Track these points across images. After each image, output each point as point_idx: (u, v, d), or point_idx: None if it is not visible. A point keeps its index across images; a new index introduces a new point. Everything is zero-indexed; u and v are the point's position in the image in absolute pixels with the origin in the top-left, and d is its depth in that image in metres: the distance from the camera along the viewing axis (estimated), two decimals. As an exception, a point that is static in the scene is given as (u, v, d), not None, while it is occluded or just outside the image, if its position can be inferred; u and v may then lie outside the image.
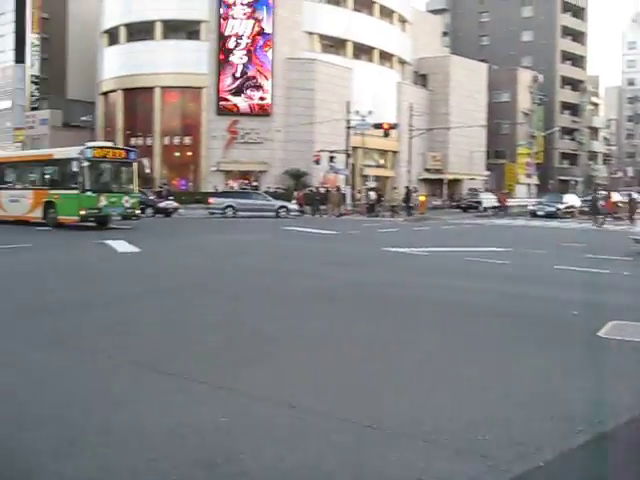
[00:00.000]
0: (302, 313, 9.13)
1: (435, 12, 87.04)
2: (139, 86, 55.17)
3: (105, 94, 59.58)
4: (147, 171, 41.06)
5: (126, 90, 56.54)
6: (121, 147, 32.00)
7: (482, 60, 76.69)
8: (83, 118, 60.85)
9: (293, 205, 40.88)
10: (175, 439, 4.37)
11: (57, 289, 10.91)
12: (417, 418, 4.84)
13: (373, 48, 62.20)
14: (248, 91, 53.65)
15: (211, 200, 40.01)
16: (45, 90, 71.10)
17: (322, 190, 44.96)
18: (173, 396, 5.29)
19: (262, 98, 53.74)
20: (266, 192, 44.79)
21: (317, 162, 47.12)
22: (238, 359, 6.49)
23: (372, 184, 49.79)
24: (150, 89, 54.52)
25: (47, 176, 27.66)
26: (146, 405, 5.07)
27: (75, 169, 25.28)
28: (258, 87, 53.73)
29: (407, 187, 46.34)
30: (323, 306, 9.63)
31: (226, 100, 53.42)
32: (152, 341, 7.23)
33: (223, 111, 53.48)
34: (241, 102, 53.61)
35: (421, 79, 70.33)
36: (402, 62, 67.09)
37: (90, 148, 25.89)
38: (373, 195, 45.08)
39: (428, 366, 6.39)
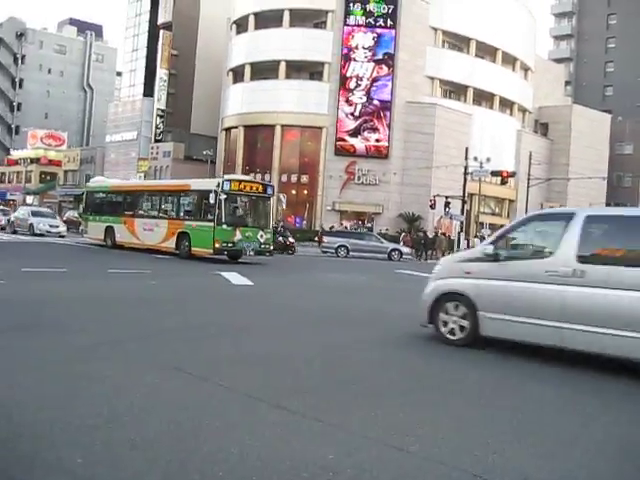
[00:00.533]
0: (412, 354, 8.97)
1: (558, 61, 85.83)
2: (260, 123, 56.54)
3: (227, 130, 61.29)
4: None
5: (247, 127, 58.04)
6: (259, 181, 31.75)
7: (605, 110, 74.81)
8: (205, 152, 62.77)
9: (405, 249, 40.66)
10: (283, 473, 4.35)
11: (160, 316, 11.10)
12: (527, 472, 4.66)
13: (494, 95, 61.80)
14: (365, 133, 54.13)
15: (324, 239, 40.24)
16: (170, 123, 73.81)
17: (430, 235, 44.55)
18: (283, 430, 5.29)
19: (378, 140, 54.06)
20: (379, 234, 44.78)
21: (432, 207, 46.81)
22: (348, 398, 6.40)
23: (487, 232, 48.94)
24: (271, 127, 55.77)
25: (183, 206, 27.57)
26: (255, 436, 5.06)
27: (212, 201, 24.71)
28: (375, 129, 54.12)
29: None
30: (437, 350, 9.42)
31: (344, 141, 54.02)
32: (264, 373, 7.21)
33: (341, 151, 54.08)
34: (358, 143, 54.11)
35: (542, 128, 69.28)
36: (523, 110, 66.32)
37: (228, 180, 25.55)
38: (477, 242, 44.43)
39: (534, 415, 6.09)
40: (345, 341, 9.76)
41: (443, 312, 9.74)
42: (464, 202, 47.60)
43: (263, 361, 7.93)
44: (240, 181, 26.54)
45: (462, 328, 9.51)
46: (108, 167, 77.54)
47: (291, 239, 37.74)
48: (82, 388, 6.13)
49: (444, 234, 45.04)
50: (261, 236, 25.84)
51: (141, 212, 29.81)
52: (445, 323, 9.71)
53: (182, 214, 27.29)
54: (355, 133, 54.28)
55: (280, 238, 36.75)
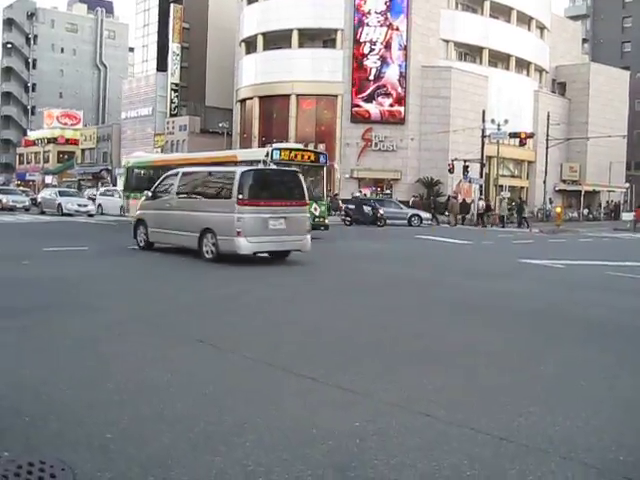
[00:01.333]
0: (436, 322, 9.05)
1: (575, 18, 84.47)
2: (275, 94, 56.28)
3: (242, 101, 61.09)
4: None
5: (262, 97, 57.80)
6: (311, 149, 29.87)
7: (624, 67, 73.73)
8: (220, 124, 62.66)
9: (425, 214, 40.51)
10: (309, 440, 4.38)
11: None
12: (553, 433, 4.65)
13: (510, 55, 61.04)
14: (381, 98, 53.73)
15: (344, 207, 40.19)
16: (185, 97, 73.67)
17: (444, 199, 44.62)
18: (308, 399, 5.31)
19: (394, 105, 53.64)
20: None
21: (451, 171, 46.57)
22: (375, 366, 6.42)
23: (506, 194, 48.66)
24: (286, 96, 55.51)
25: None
26: (280, 406, 5.10)
27: None
28: (391, 95, 53.71)
29: (520, 198, 45.60)
30: (458, 316, 9.46)
31: (359, 107, 53.69)
32: (281, 342, 7.24)
33: (357, 118, 53.76)
34: (374, 109, 53.73)
35: (559, 87, 68.44)
36: (540, 70, 65.50)
37: (277, 149, 23.67)
38: (482, 204, 44.30)
39: (560, 380, 6.13)
40: (361, 308, 9.80)
41: (139, 230, 17.61)
42: (482, 165, 47.32)
43: (284, 332, 7.97)
44: (290, 150, 24.61)
45: (145, 241, 17.41)
46: (125, 144, 77.64)
47: (381, 211, 37.60)
48: (108, 365, 6.20)
49: (455, 197, 44.89)
50: (315, 209, 23.84)
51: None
52: (142, 237, 17.55)
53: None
54: (370, 99, 53.91)
55: (369, 210, 36.93)
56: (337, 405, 5.18)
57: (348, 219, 37.05)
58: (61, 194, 41.05)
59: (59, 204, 38.91)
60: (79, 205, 39.02)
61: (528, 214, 47.15)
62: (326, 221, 25.27)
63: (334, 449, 4.26)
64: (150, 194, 17.36)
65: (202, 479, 3.77)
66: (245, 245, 14.34)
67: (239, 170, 15.46)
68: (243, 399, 5.27)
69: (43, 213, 39.74)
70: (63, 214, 37.67)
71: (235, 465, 3.96)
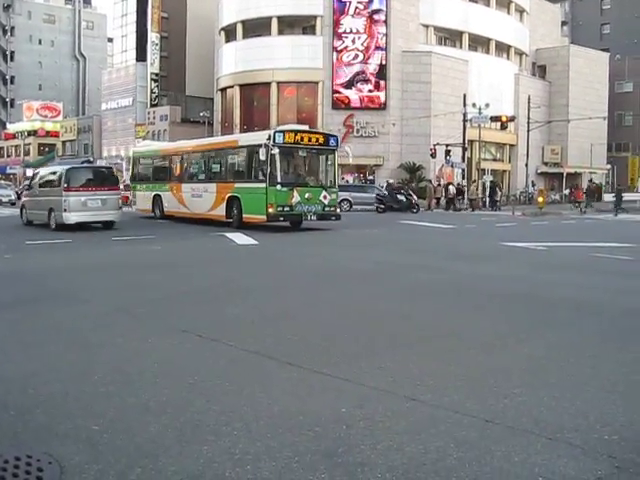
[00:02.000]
0: (420, 305, 9.08)
1: (554, 1, 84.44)
2: (256, 82, 56.10)
3: (223, 90, 60.82)
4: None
5: (243, 86, 57.59)
6: (320, 131, 27.81)
7: (604, 49, 73.98)
8: (201, 113, 62.40)
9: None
10: (296, 428, 4.40)
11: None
12: (538, 415, 4.70)
13: (490, 39, 61.11)
14: (360, 84, 53.64)
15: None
16: (165, 87, 73.28)
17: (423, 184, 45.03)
18: (295, 386, 5.34)
19: (373, 90, 53.55)
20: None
21: (433, 156, 46.63)
22: (361, 352, 6.47)
23: (489, 177, 48.82)
24: (267, 84, 55.35)
25: (232, 167, 24.45)
26: (267, 394, 5.13)
27: (262, 157, 21.07)
28: (371, 81, 53.61)
29: (492, 181, 45.87)
30: (442, 299, 9.55)
31: (340, 94, 53.60)
32: (273, 332, 7.26)
33: (338, 105, 53.68)
34: (354, 95, 53.65)
35: (539, 70, 68.60)
36: (519, 53, 65.63)
37: (281, 132, 21.82)
38: (452, 189, 44.51)
39: (545, 362, 6.18)
40: (354, 295, 9.83)
41: (23, 211, 24.44)
42: (464, 149, 47.43)
43: (270, 320, 7.98)
44: (296, 132, 22.37)
45: (27, 219, 24.32)
46: (106, 135, 77.18)
47: (415, 197, 38.16)
48: (93, 356, 6.19)
49: (430, 182, 45.20)
50: (324, 197, 22.28)
51: (187, 176, 26.92)
52: (25, 217, 24.31)
53: (231, 176, 23.98)
54: (351, 86, 53.83)
55: (402, 197, 37.26)
56: (324, 392, 5.20)
57: (382, 206, 37.07)
58: None
59: None
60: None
61: (512, 198, 47.34)
62: (337, 210, 23.45)
63: (321, 435, 4.27)
64: (28, 186, 25.07)
65: (190, 469, 3.77)
66: (70, 217, 21.11)
67: (65, 169, 22.26)
68: (229, 388, 5.27)
69: None
70: None
71: (223, 454, 3.97)
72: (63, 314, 8.16)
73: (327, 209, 22.50)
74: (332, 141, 22.96)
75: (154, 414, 4.62)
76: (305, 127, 25.27)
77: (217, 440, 4.17)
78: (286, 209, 21.37)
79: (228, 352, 6.41)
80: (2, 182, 57.30)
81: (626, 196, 46.18)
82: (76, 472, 3.71)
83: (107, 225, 22.26)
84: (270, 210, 21.08)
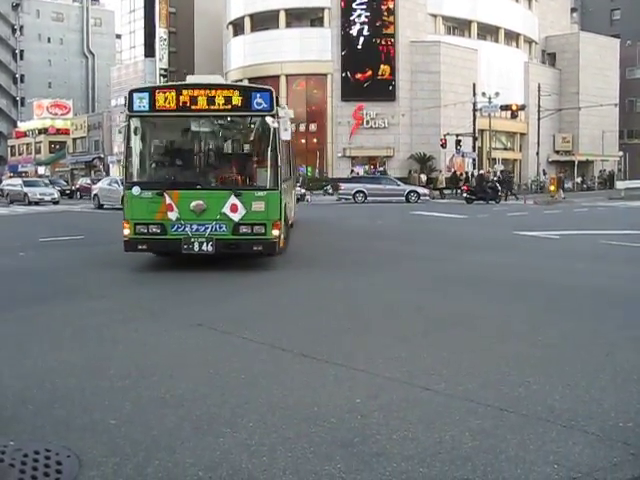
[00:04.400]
0: (435, 296, 9.10)
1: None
2: (265, 75, 55.90)
3: (232, 84, 60.74)
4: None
5: (252, 79, 57.37)
6: (231, 84, 16.18)
7: (614, 35, 73.38)
8: (211, 108, 62.27)
9: (422, 190, 40.41)
10: (311, 419, 4.44)
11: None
12: (552, 403, 4.72)
13: (499, 28, 60.74)
14: (370, 75, 53.41)
15: (342, 186, 40.18)
16: (174, 82, 73.22)
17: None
18: (310, 377, 5.39)
19: (382, 81, 53.30)
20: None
21: (443, 146, 46.49)
22: (376, 342, 6.51)
23: (500, 167, 48.70)
24: (275, 77, 55.18)
25: None
26: (281, 385, 5.16)
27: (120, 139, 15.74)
28: (379, 71, 53.38)
29: (502, 171, 45.99)
30: (456, 289, 9.59)
31: (349, 86, 53.45)
32: (286, 324, 7.29)
33: (347, 97, 53.53)
34: (362, 86, 53.45)
35: (549, 58, 68.18)
36: (529, 41, 65.26)
37: (143, 91, 11.78)
38: (424, 178, 44.44)
39: (559, 350, 6.21)
40: (360, 286, 9.85)
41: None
42: (475, 139, 47.29)
43: (284, 312, 8.02)
44: (178, 88, 11.63)
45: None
46: (116, 131, 77.27)
47: (498, 187, 38.52)
48: (109, 351, 6.24)
49: (440, 172, 45.59)
50: (233, 209, 11.19)
51: None
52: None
53: None
54: (360, 77, 53.65)
55: (489, 187, 37.69)
56: (338, 383, 5.23)
57: (473, 197, 37.17)
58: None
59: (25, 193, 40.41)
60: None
61: (523, 187, 47.21)
62: (275, 234, 11.27)
63: (336, 426, 4.30)
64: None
65: (206, 460, 3.81)
66: None
67: None
68: (244, 381, 5.31)
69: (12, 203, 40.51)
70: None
71: (239, 445, 4.01)
72: (86, 310, 8.22)
73: (242, 232, 11.27)
74: (258, 100, 11.42)
75: (170, 407, 4.67)
76: (210, 78, 12.53)
77: (233, 432, 4.21)
78: (152, 230, 11.32)
79: (242, 345, 6.44)
80: (39, 179, 52.75)
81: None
82: (94, 465, 3.75)
83: None
84: (125, 230, 11.46)
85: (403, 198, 37.98)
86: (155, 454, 3.88)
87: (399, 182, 40.90)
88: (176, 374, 5.47)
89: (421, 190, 39.80)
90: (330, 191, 43.30)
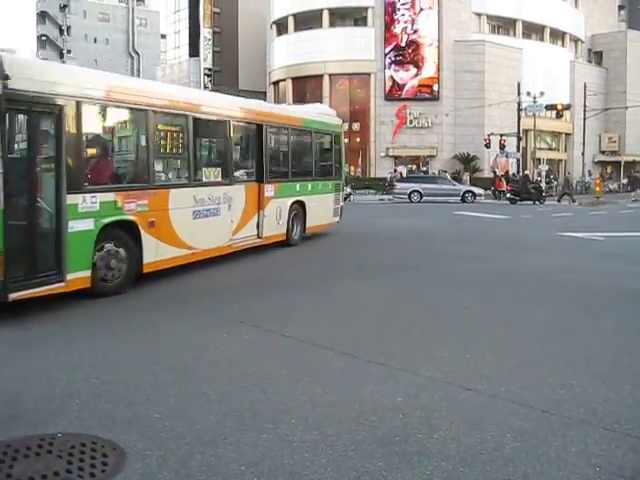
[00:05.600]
0: (478, 296, 9.04)
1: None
2: (308, 74, 56.09)
3: (275, 83, 61.02)
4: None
5: (295, 79, 57.65)
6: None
7: (663, 33, 72.00)
8: (254, 108, 62.59)
9: (478, 190, 39.85)
10: (352, 417, 4.46)
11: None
12: (595, 406, 4.69)
13: (544, 26, 59.94)
14: (414, 75, 53.21)
15: (397, 185, 40.01)
16: (218, 82, 73.76)
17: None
18: (351, 376, 5.40)
19: (428, 82, 53.10)
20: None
21: (487, 146, 46.02)
22: (417, 341, 6.53)
23: (544, 167, 48.08)
24: (319, 77, 55.30)
25: None
26: (323, 383, 5.19)
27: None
28: (424, 71, 53.17)
29: (525, 174, 45.07)
30: (502, 289, 9.55)
31: (393, 85, 53.30)
32: (329, 322, 7.29)
33: (391, 96, 53.38)
34: (408, 86, 53.27)
35: (595, 57, 67.14)
36: (575, 40, 64.31)
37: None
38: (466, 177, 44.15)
39: (602, 352, 6.16)
40: (404, 286, 9.83)
41: None
42: (519, 139, 46.74)
43: (326, 311, 8.05)
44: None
45: None
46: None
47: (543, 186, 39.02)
48: (153, 346, 6.33)
49: (494, 172, 44.76)
50: None
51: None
52: None
53: None
54: (404, 76, 53.46)
55: (532, 188, 37.64)
56: (379, 381, 5.25)
57: (516, 197, 37.05)
58: None
59: None
60: None
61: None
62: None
63: (378, 424, 4.33)
64: None
65: (249, 456, 3.86)
66: None
67: None
68: (286, 378, 5.35)
69: None
70: None
71: (281, 442, 4.05)
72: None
73: None
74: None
75: (213, 402, 4.73)
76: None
77: (275, 428, 4.25)
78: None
79: (284, 342, 6.49)
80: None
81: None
82: (139, 458, 3.83)
83: None
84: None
85: (459, 198, 37.49)
86: (198, 448, 3.95)
87: (454, 182, 40.52)
88: (219, 370, 5.54)
89: (477, 190, 39.22)
90: (389, 190, 42.73)
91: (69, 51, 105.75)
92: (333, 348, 6.19)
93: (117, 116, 9.94)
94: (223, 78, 73.59)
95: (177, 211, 10.31)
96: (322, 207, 16.10)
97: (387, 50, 53.20)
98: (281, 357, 5.96)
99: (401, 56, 53.01)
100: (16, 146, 7.64)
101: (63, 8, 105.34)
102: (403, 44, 53.06)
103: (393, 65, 53.23)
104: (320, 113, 17.40)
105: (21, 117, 7.83)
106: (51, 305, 7.93)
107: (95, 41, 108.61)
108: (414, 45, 53.05)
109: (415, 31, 53.05)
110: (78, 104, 8.39)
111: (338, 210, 17.24)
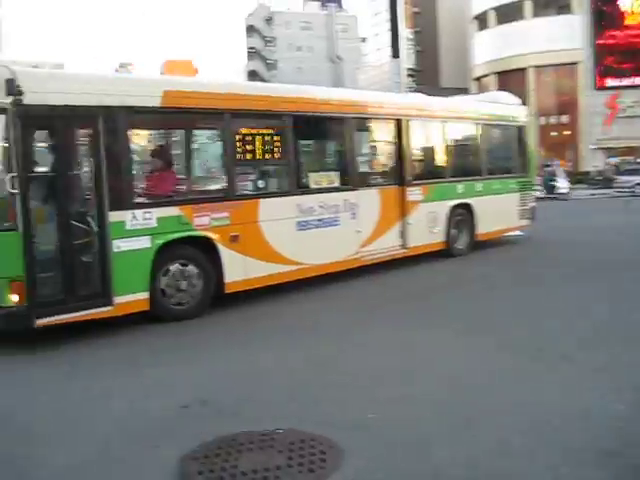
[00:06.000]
0: None
1: None
2: (511, 68, 54.72)
3: (478, 79, 60.08)
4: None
5: (499, 73, 56.44)
6: None
7: None
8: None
9: None
10: (566, 424, 4.31)
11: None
12: None
13: None
14: (627, 59, 50.23)
15: (618, 178, 38.07)
16: (420, 81, 73.88)
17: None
18: (564, 382, 5.21)
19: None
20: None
21: None
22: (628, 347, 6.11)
23: None
24: (522, 70, 53.80)
25: None
26: (535, 389, 5.06)
27: None
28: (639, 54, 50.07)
29: None
30: None
31: (603, 73, 50.69)
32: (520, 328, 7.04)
33: (601, 86, 50.81)
34: (619, 73, 50.41)
35: None
36: None
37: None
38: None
39: None
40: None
41: None
42: None
43: (516, 314, 7.82)
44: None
45: None
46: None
47: None
48: (364, 350, 6.50)
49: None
50: None
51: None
52: None
53: None
54: (615, 64, 50.66)
55: None
56: (594, 388, 5.06)
57: None
58: None
59: None
60: None
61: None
62: (14, 299, 7.09)
63: (597, 433, 4.17)
64: None
65: (464, 459, 3.88)
66: None
67: None
68: (497, 383, 5.29)
69: None
70: None
71: (495, 446, 4.04)
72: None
73: None
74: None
75: (422, 408, 4.78)
76: None
77: (487, 433, 4.24)
78: None
79: (479, 345, 6.43)
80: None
81: None
82: (354, 455, 3.96)
83: None
84: None
85: None
86: (411, 449, 4.03)
87: None
88: (419, 375, 5.61)
89: None
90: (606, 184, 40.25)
91: (275, 60, 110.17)
92: (553, 352, 6.02)
93: (174, 123, 9.51)
94: (425, 77, 73.69)
95: (272, 223, 9.26)
96: (501, 210, 13.93)
97: (595, 37, 50.64)
98: (486, 362, 5.94)
99: (611, 42, 50.25)
100: (44, 163, 7.38)
101: (268, 21, 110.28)
102: (614, 30, 50.27)
103: (602, 52, 50.60)
104: (496, 101, 15.47)
105: (43, 133, 7.59)
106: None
107: (298, 49, 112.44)
108: (625, 29, 50.13)
109: (625, 14, 50.10)
110: (114, 113, 7.61)
111: (527, 212, 14.85)
